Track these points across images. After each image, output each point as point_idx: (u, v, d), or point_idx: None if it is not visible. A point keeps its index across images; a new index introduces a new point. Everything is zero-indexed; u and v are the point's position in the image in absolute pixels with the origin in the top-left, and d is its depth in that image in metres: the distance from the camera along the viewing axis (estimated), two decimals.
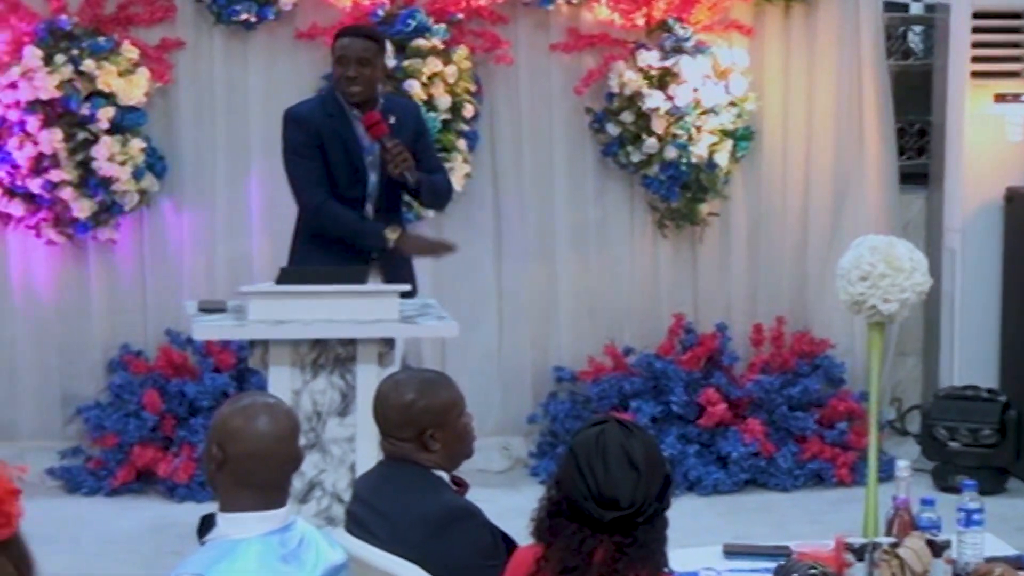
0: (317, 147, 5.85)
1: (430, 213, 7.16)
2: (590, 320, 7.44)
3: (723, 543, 4.48)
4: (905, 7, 8.16)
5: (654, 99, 7.15)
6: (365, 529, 3.81)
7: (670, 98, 7.17)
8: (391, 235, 5.88)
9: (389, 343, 5.64)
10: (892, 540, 4.11)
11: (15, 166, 6.81)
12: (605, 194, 7.43)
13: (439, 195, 6.11)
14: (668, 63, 7.18)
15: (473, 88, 7.15)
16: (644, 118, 7.19)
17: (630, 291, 7.47)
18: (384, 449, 3.91)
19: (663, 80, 7.20)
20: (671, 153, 7.19)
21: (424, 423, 3.84)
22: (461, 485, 3.92)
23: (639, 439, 3.27)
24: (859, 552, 4.03)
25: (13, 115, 6.78)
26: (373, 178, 5.90)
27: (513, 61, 7.24)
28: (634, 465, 3.22)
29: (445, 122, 7.05)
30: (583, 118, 7.34)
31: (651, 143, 7.19)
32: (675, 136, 7.19)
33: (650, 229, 7.46)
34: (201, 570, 3.19)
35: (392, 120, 5.86)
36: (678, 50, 7.21)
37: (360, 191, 5.89)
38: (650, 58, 7.19)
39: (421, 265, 7.22)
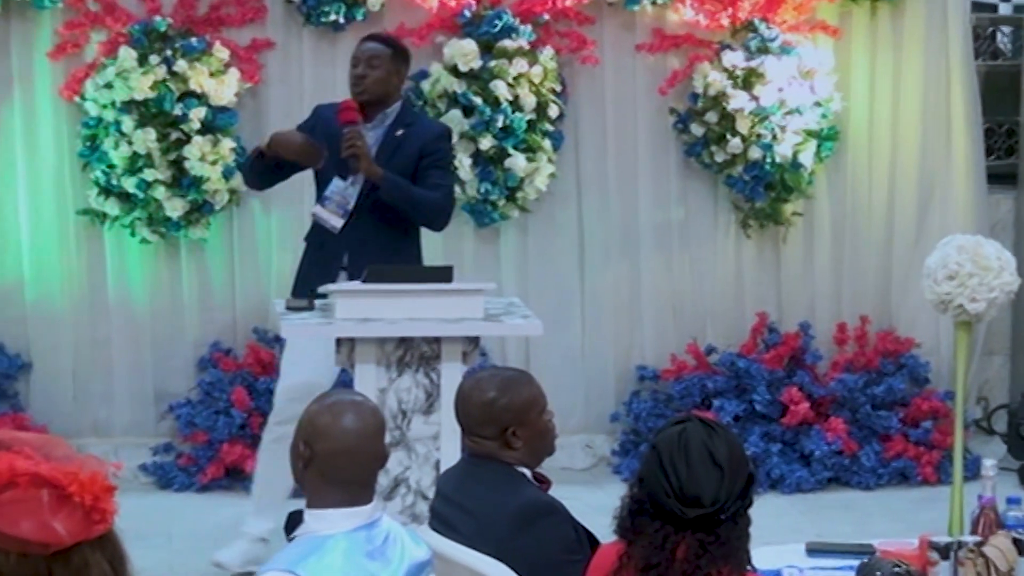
0: (310, 132, 5.80)
1: (515, 214, 7.19)
2: (673, 319, 7.43)
3: (806, 541, 4.46)
4: (994, 8, 8.09)
5: (739, 99, 7.12)
6: (449, 526, 3.83)
7: (755, 98, 7.15)
8: (262, 146, 5.77)
9: (473, 342, 5.65)
10: (977, 539, 4.07)
11: (110, 165, 6.89)
12: (689, 194, 7.41)
13: (421, 207, 5.75)
14: (753, 63, 7.16)
15: (558, 88, 7.15)
16: (728, 118, 7.16)
17: (713, 290, 7.45)
18: (467, 446, 3.92)
19: (748, 80, 7.17)
20: (755, 153, 7.16)
21: (505, 421, 3.85)
22: (544, 482, 3.93)
23: (722, 437, 3.27)
24: (944, 551, 4.00)
25: (109, 115, 6.85)
26: (342, 182, 5.71)
27: (598, 62, 7.23)
28: (717, 463, 3.22)
29: (530, 122, 7.06)
30: (667, 118, 7.33)
31: (735, 143, 7.16)
32: (759, 136, 7.16)
33: (734, 229, 7.43)
34: (289, 566, 3.21)
35: (399, 133, 5.74)
36: (763, 50, 7.18)
37: (324, 188, 5.79)
38: (735, 58, 7.17)
39: (507, 265, 7.27)
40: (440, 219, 5.85)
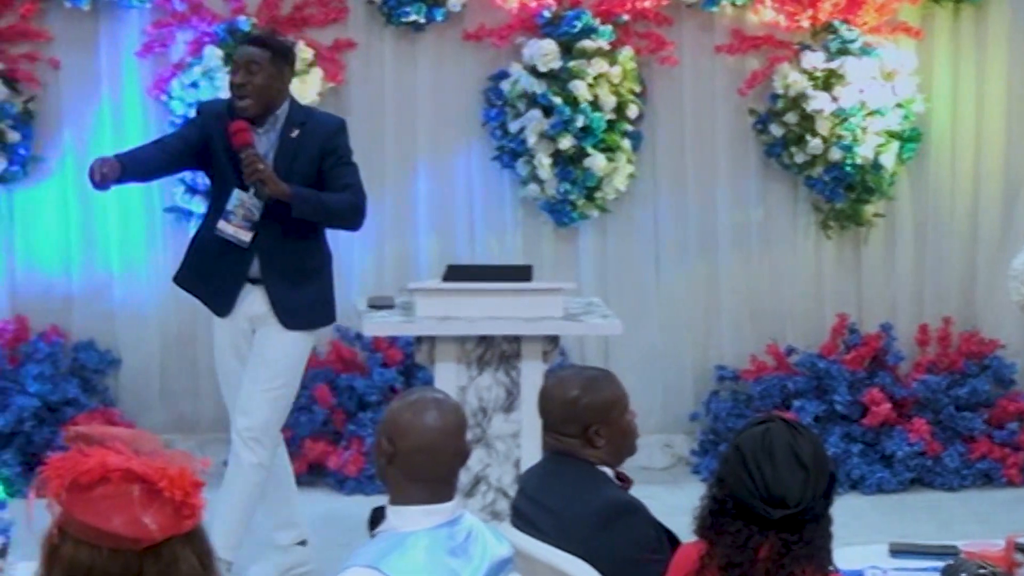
0: (201, 136, 5.42)
1: (594, 213, 7.17)
2: (752, 320, 7.38)
3: (889, 542, 4.40)
4: None
5: (819, 101, 7.06)
6: (530, 523, 3.81)
7: (835, 99, 7.08)
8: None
9: (553, 340, 5.64)
10: None
11: None
12: (768, 195, 7.36)
13: (332, 212, 5.43)
14: (833, 65, 7.10)
15: (638, 89, 7.12)
16: (808, 119, 7.10)
17: (792, 291, 7.39)
18: (548, 444, 3.90)
19: (828, 82, 7.11)
20: (836, 154, 7.10)
21: (588, 419, 3.83)
22: (625, 481, 3.90)
23: (806, 437, 3.24)
24: None
25: (194, 114, 6.89)
26: (244, 193, 5.34)
27: (677, 62, 7.20)
28: (802, 464, 3.18)
29: (610, 122, 7.04)
30: (746, 119, 7.28)
31: (815, 144, 7.10)
32: (840, 137, 7.10)
33: (813, 230, 7.37)
34: (372, 562, 3.20)
35: (295, 134, 5.39)
36: (844, 52, 7.11)
37: (223, 201, 5.39)
38: (815, 59, 7.11)
39: (586, 264, 7.25)
40: (356, 220, 5.52)
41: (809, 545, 3.20)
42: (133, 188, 6.98)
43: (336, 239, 7.14)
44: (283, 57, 5.43)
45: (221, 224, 5.33)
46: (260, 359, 5.46)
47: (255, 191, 5.26)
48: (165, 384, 7.15)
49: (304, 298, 5.45)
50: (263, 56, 5.34)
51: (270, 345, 5.46)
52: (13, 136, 6.83)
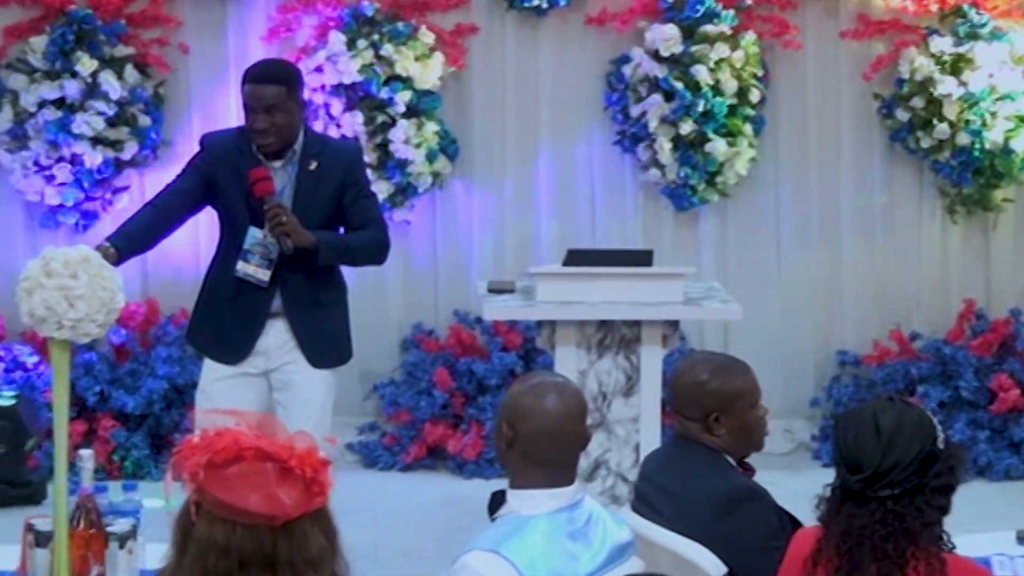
0: (207, 174, 5.10)
1: (714, 198, 7.11)
2: (875, 305, 7.29)
3: (1016, 529, 4.32)
4: None
5: (946, 85, 6.95)
6: (652, 507, 3.78)
7: (963, 84, 6.96)
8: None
9: (673, 325, 5.61)
10: None
11: None
12: (893, 179, 7.26)
13: (357, 255, 5.19)
14: (962, 49, 6.98)
15: (760, 73, 7.05)
16: (936, 104, 6.99)
17: (917, 277, 7.29)
18: (674, 426, 3.86)
19: (956, 66, 6.99)
20: (964, 139, 6.98)
21: (710, 406, 3.78)
22: (748, 469, 3.86)
23: (897, 410, 3.25)
24: None
25: (319, 98, 6.93)
26: (259, 232, 5.04)
27: (801, 47, 7.12)
28: (878, 430, 3.19)
29: (731, 107, 6.97)
30: (871, 103, 7.18)
31: (942, 129, 6.99)
32: (968, 122, 6.98)
33: (940, 215, 7.26)
34: (493, 546, 3.19)
35: (313, 166, 5.07)
36: (972, 36, 6.99)
37: (236, 239, 5.08)
38: (943, 44, 6.99)
39: (706, 249, 7.20)
40: (381, 256, 5.25)
41: (904, 521, 3.19)
42: None
43: (456, 222, 7.20)
44: (298, 88, 5.12)
45: (240, 265, 5.03)
46: (295, 400, 5.11)
47: (280, 243, 4.97)
48: None
49: (325, 332, 5.15)
50: (280, 94, 5.01)
51: (303, 386, 5.12)
52: (144, 120, 6.91)
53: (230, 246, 5.10)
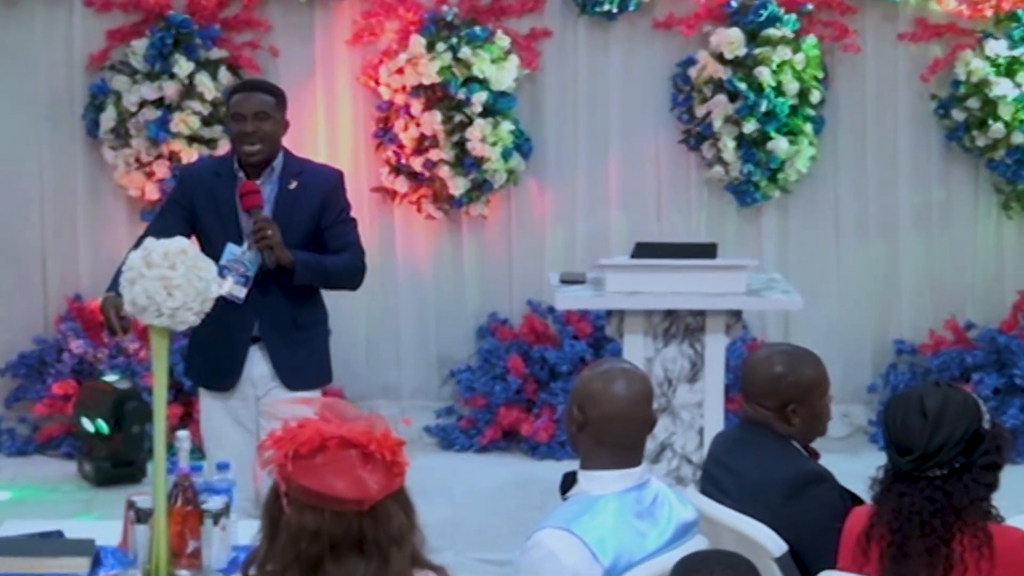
0: (186, 207, 4.86)
1: (776, 194, 7.09)
2: (931, 296, 7.25)
3: None
4: None
5: (1002, 87, 6.90)
6: (719, 487, 3.77)
7: (1018, 86, 6.91)
8: (106, 295, 4.64)
9: (736, 315, 5.60)
10: None
11: (400, 146, 7.00)
12: (949, 176, 7.21)
13: (333, 277, 4.93)
14: (1016, 52, 6.93)
15: (820, 75, 7.02)
16: (991, 104, 6.93)
17: (972, 269, 7.24)
18: (746, 413, 3.84)
19: (1011, 68, 6.94)
20: (1019, 138, 6.92)
21: (788, 397, 3.76)
22: (813, 453, 3.84)
23: (942, 393, 3.28)
24: None
25: (400, 99, 6.96)
26: (237, 248, 4.79)
27: (860, 49, 7.09)
28: (924, 413, 3.21)
29: (793, 107, 6.95)
30: (928, 104, 7.13)
31: (998, 128, 6.93)
32: (1022, 122, 6.92)
33: (995, 210, 7.21)
34: (564, 524, 3.21)
35: (293, 185, 4.86)
36: None
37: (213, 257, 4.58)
38: (998, 47, 6.94)
39: (768, 243, 7.18)
40: (357, 280, 5.01)
41: (952, 497, 3.20)
42: (344, 168, 7.04)
43: (530, 216, 7.21)
44: (285, 105, 4.97)
45: (228, 279, 4.74)
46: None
47: (262, 257, 4.75)
48: (370, 353, 7.23)
49: (302, 355, 4.90)
50: (269, 103, 4.87)
51: (286, 411, 4.90)
52: None
53: None
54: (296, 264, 4.75)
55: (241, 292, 4.78)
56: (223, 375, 4.89)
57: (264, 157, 4.84)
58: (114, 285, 4.47)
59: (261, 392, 4.89)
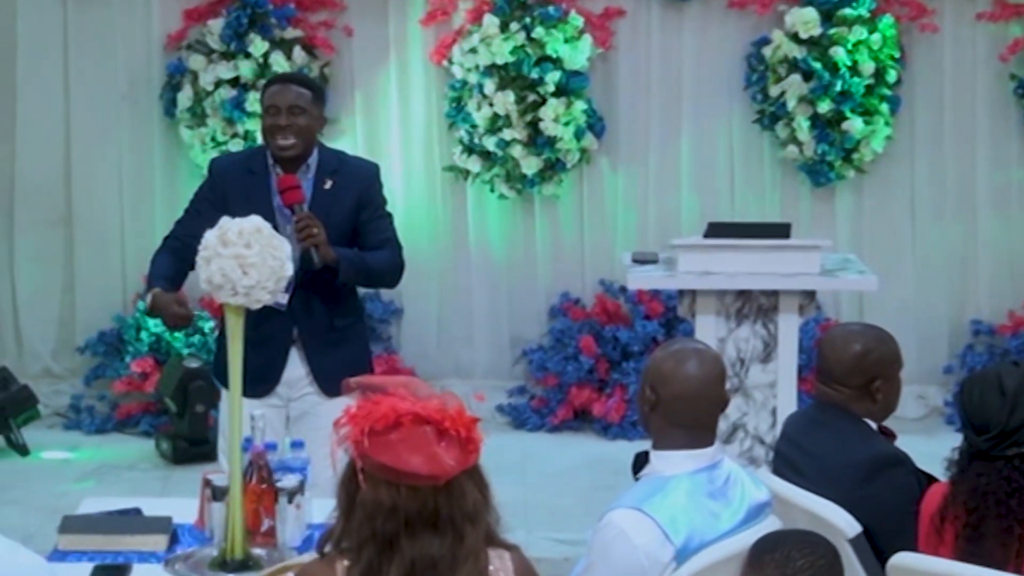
0: (217, 204, 4.47)
1: (850, 174, 7.04)
2: (1010, 277, 7.18)
3: None
4: None
5: None
6: (794, 468, 3.74)
7: None
8: (147, 298, 4.51)
9: (810, 295, 5.56)
10: None
11: (473, 125, 7.00)
12: None
13: (374, 275, 4.73)
14: None
15: (897, 54, 6.96)
16: None
17: None
18: (821, 394, 3.80)
19: None
20: None
21: (874, 373, 3.72)
22: (889, 434, 3.81)
23: (1020, 372, 3.29)
24: None
25: (473, 78, 6.96)
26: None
27: (938, 29, 7.01)
28: (1003, 391, 3.19)
29: (868, 87, 6.89)
30: (1007, 84, 7.05)
31: None
32: None
33: None
34: (636, 504, 3.20)
35: (328, 184, 4.62)
36: None
37: None
38: None
39: (842, 223, 7.12)
40: (397, 277, 4.79)
41: None
42: (415, 148, 7.15)
43: (602, 196, 7.20)
44: (323, 99, 4.76)
45: None
46: (309, 426, 4.54)
47: (308, 256, 4.47)
48: (443, 332, 7.25)
49: (339, 359, 4.60)
50: (307, 97, 4.62)
51: (317, 414, 4.60)
52: None
53: None
54: (340, 262, 4.52)
55: (284, 298, 4.50)
56: (261, 381, 4.52)
57: (298, 152, 4.57)
58: (154, 283, 4.45)
59: (295, 395, 4.66)
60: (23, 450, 6.60)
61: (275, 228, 4.13)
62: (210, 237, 3.55)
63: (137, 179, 7.13)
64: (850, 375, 3.73)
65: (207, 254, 3.52)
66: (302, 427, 4.57)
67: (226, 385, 4.16)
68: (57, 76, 7.06)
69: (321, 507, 3.52)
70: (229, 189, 4.57)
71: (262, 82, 6.77)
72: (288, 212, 4.52)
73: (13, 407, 6.67)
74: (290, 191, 4.53)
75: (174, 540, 3.71)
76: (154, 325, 6.89)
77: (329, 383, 4.53)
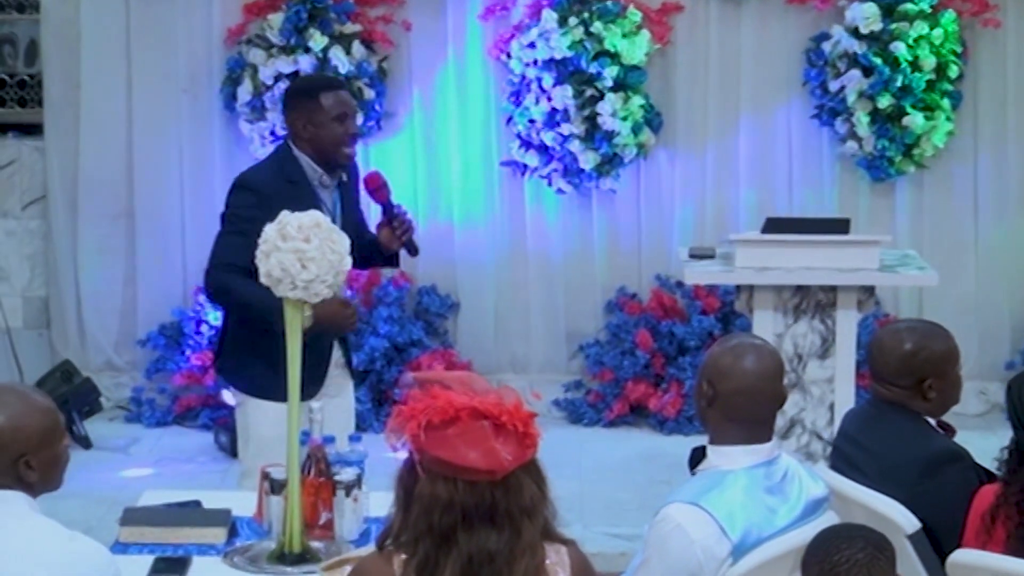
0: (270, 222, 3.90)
1: (911, 169, 6.98)
2: None
3: None
4: None
5: None
6: (852, 464, 3.73)
7: None
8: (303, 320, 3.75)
9: (868, 291, 5.53)
10: None
11: (531, 120, 7.00)
12: None
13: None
14: None
15: (959, 50, 6.90)
16: None
17: None
18: (877, 393, 3.78)
19: None
20: None
21: (925, 372, 3.70)
22: (948, 430, 3.79)
23: None
24: None
25: (531, 73, 6.95)
26: None
27: (1000, 24, 6.95)
28: None
29: (929, 82, 6.84)
30: None
31: None
32: None
33: None
34: (693, 499, 3.20)
35: (344, 178, 4.63)
36: None
37: None
38: None
39: (902, 218, 7.07)
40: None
41: None
42: (473, 142, 7.15)
43: (659, 190, 7.17)
44: None
45: None
46: (330, 404, 4.28)
47: (409, 247, 4.66)
48: (499, 326, 7.25)
49: (347, 341, 4.73)
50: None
51: (339, 392, 4.64)
52: (369, 93, 7.00)
53: None
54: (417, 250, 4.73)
55: (345, 292, 4.56)
56: (311, 383, 4.26)
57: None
58: (274, 304, 3.74)
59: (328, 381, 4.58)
60: (86, 442, 6.65)
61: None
62: (269, 231, 3.56)
63: (197, 173, 7.17)
64: (900, 375, 3.71)
65: (266, 248, 3.54)
66: (320, 404, 4.14)
67: (282, 398, 3.68)
68: (120, 71, 7.10)
69: (378, 501, 3.53)
70: (276, 203, 4.00)
71: None
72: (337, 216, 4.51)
73: (76, 400, 6.73)
74: (380, 190, 4.65)
75: (233, 533, 3.73)
76: (214, 318, 6.92)
77: (350, 359, 4.72)
